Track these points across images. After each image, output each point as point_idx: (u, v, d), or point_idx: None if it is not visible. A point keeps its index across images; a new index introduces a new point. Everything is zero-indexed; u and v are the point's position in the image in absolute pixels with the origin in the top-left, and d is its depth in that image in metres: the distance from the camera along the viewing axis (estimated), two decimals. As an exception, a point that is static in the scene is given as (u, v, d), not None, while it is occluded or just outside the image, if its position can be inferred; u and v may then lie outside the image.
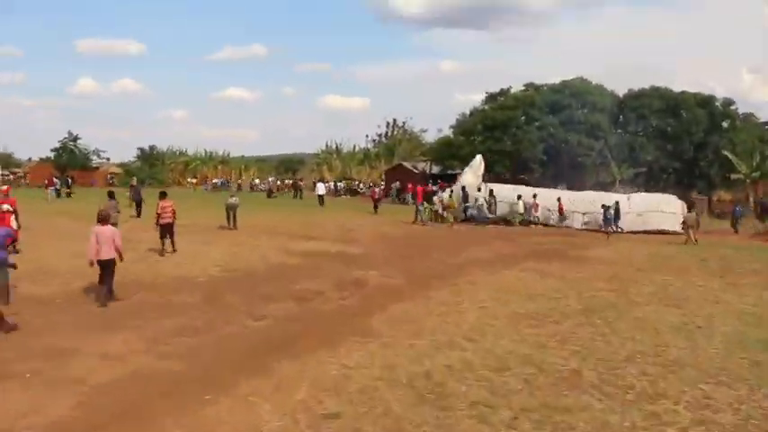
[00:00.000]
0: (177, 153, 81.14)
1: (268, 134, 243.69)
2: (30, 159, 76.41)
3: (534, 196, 30.09)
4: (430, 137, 65.27)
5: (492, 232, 26.26)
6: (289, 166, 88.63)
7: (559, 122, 42.70)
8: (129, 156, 77.01)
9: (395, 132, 71.33)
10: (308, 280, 12.82)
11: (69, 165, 63.22)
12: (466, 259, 17.67)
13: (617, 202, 28.50)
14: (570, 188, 35.83)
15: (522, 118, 43.60)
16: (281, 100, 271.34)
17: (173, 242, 16.41)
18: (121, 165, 75.58)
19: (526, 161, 42.51)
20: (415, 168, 51.41)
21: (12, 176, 59.44)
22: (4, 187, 22.29)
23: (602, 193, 32.01)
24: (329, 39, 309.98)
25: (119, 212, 17.24)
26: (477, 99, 76.36)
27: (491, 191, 30.81)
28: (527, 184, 35.27)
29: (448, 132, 48.94)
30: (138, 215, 25.42)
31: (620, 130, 46.07)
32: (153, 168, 69.74)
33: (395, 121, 72.55)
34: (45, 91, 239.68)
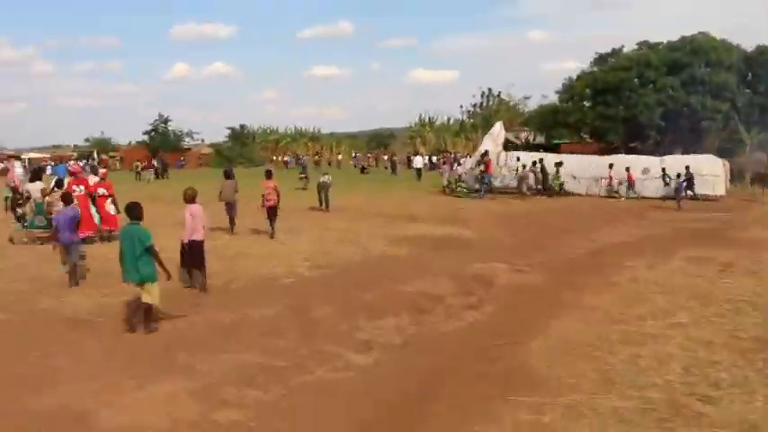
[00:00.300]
0: (268, 131, 79.89)
1: (356, 111, 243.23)
2: (129, 143, 77.23)
3: (558, 164, 27.05)
4: (533, 104, 60.89)
5: (586, 206, 22.63)
6: (380, 140, 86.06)
7: (680, 83, 37.73)
8: (221, 137, 76.11)
9: (490, 102, 66.56)
10: (419, 278, 10.06)
11: (162, 146, 63.04)
12: (603, 244, 14.51)
13: (687, 168, 24.84)
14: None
15: (636, 80, 38.73)
16: (369, 76, 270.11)
17: (272, 227, 15.29)
18: (212, 145, 74.93)
19: (641, 127, 37.83)
20: (518, 139, 47.38)
21: (106, 161, 59.62)
22: (103, 170, 20.99)
23: (632, 157, 28.98)
24: (414, 13, 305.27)
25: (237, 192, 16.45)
26: (568, 67, 69.61)
27: (540, 160, 27.85)
28: (638, 153, 31.49)
29: (553, 99, 44.41)
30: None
31: (748, 90, 40.46)
32: (244, 147, 68.45)
33: (490, 90, 67.22)
34: (141, 77, 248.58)
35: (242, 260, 11.96)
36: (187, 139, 70.60)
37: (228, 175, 16.90)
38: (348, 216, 19.15)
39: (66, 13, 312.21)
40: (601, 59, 40.59)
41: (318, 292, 9.23)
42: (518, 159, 28.33)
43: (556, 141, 43.30)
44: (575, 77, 41.38)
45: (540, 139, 45.99)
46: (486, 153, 27.49)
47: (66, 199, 10.75)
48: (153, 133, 68.17)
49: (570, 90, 40.96)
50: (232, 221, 16.18)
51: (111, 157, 65.69)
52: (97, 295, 9.02)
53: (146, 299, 7.47)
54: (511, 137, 47.26)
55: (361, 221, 17.83)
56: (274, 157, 66.21)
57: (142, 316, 7.43)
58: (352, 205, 22.23)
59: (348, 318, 7.82)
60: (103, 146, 69.99)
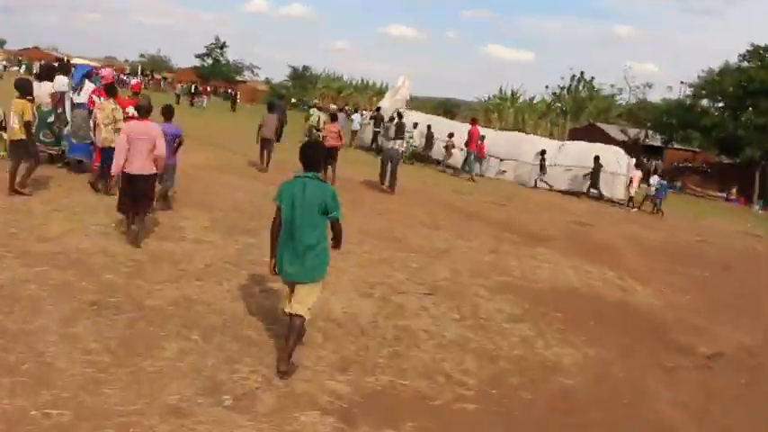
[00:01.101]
0: (332, 77, 72.96)
1: (425, 76, 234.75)
2: (178, 68, 71.32)
3: (450, 135, 23.36)
4: (657, 96, 52.93)
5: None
6: (447, 109, 79.03)
7: None
8: (283, 76, 69.66)
9: (580, 87, 58.49)
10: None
11: (212, 74, 56.54)
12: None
13: (596, 159, 21.02)
14: None
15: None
16: (444, 43, 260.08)
17: (334, 170, 14.71)
18: (267, 82, 68.34)
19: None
20: (625, 134, 39.01)
21: (153, 78, 53.69)
22: (134, 81, 16.13)
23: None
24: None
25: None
26: (649, 69, 62.18)
27: (428, 126, 24.71)
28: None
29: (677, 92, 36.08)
30: (278, 138, 18.19)
31: None
32: (303, 90, 61.83)
33: (582, 74, 58.76)
34: (221, 6, 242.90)
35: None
36: (246, 73, 64.79)
37: (272, 109, 16.11)
38: (420, 207, 12.81)
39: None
40: (754, 53, 32.00)
41: None
42: (415, 126, 24.36)
43: (675, 146, 35.37)
44: (715, 71, 33.07)
45: (654, 141, 37.52)
46: (378, 109, 25.79)
47: (167, 113, 8.85)
48: (207, 58, 62.03)
49: (710, 85, 32.73)
50: (266, 158, 15.20)
51: (163, 77, 59.71)
52: None
53: (297, 309, 4.71)
54: (610, 131, 39.20)
55: (448, 228, 11.30)
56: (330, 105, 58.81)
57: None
58: (422, 190, 15.89)
59: None
60: (157, 65, 64.30)
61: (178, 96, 38.97)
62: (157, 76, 57.37)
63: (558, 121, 55.39)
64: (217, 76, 57.48)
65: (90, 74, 11.43)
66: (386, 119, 23.30)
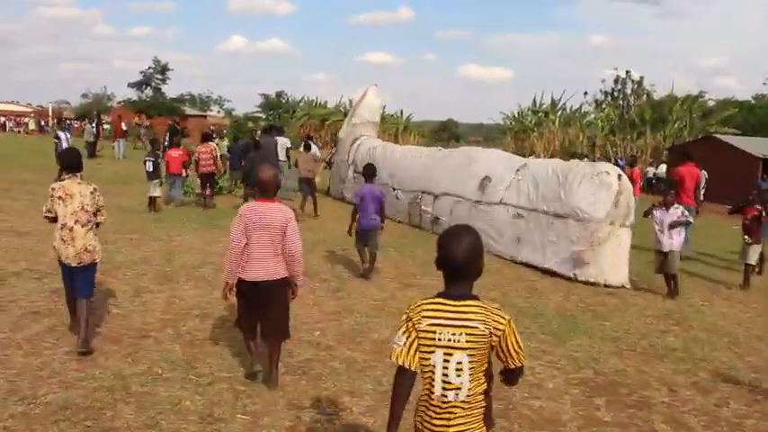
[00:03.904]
0: (314, 105, 66.31)
1: (411, 100, 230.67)
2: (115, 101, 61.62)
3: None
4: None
5: None
6: (446, 129, 73.48)
7: None
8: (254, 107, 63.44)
9: (628, 90, 49.71)
10: None
11: (152, 107, 48.91)
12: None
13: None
14: None
15: None
16: (422, 66, 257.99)
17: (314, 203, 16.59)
18: (228, 113, 62.06)
19: None
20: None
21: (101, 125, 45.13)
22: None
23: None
24: (474, 6, 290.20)
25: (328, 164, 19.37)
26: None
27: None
28: None
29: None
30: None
31: None
32: (280, 121, 54.96)
33: (628, 73, 49.59)
34: (197, 46, 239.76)
35: None
36: (215, 107, 59.03)
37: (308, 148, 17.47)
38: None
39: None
40: None
41: None
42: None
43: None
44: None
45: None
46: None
47: None
48: (144, 87, 52.51)
49: None
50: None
51: (137, 124, 47.47)
52: None
53: None
54: (745, 144, 31.43)
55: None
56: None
57: None
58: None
59: None
60: (102, 105, 56.06)
61: (94, 143, 30.91)
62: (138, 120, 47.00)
63: (627, 135, 45.39)
64: (158, 109, 48.78)
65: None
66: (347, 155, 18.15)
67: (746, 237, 11.83)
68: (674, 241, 10.60)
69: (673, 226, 10.58)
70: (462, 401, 3.05)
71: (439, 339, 3.01)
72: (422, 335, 3.05)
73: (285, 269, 5.86)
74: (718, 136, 35.59)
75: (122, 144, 31.55)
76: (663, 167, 34.77)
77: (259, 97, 65.12)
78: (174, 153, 16.97)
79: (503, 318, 3.03)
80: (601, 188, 11.52)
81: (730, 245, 16.07)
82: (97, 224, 6.65)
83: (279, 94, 63.92)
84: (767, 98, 50.19)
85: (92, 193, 6.54)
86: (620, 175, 11.84)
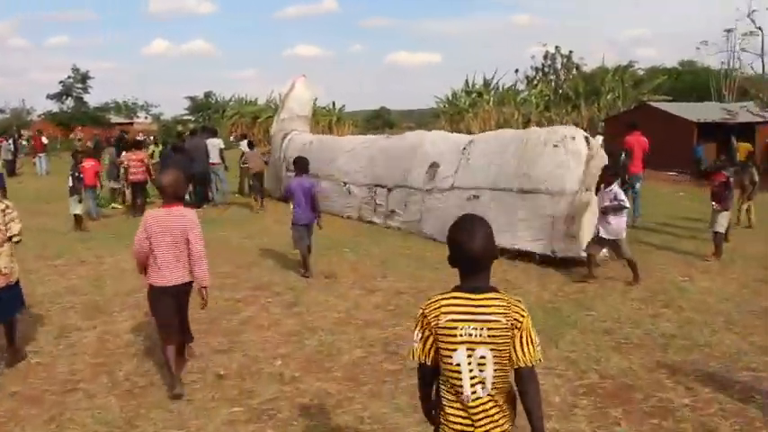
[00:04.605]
0: (244, 102, 64.04)
1: (343, 91, 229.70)
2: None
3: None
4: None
5: None
6: (379, 117, 72.37)
7: None
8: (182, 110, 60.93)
9: (560, 65, 48.71)
10: None
11: (74, 119, 45.87)
12: None
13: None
14: None
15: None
16: (350, 56, 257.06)
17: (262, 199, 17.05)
18: (158, 120, 59.36)
19: None
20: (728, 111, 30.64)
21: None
22: None
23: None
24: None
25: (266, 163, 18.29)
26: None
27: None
28: None
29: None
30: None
31: None
32: (209, 122, 52.79)
33: (557, 48, 48.74)
34: (119, 52, 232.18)
35: None
36: (141, 114, 56.30)
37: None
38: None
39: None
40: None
41: None
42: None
43: None
44: None
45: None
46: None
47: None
48: (64, 98, 49.23)
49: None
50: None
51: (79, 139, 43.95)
52: None
53: None
54: (686, 111, 31.01)
55: None
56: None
57: None
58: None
59: None
60: (21, 119, 52.87)
61: (12, 161, 29.26)
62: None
63: (562, 109, 43.87)
64: (81, 119, 45.81)
65: None
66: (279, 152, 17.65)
67: (714, 204, 11.29)
68: (613, 226, 9.41)
69: (605, 211, 9.50)
70: (489, 395, 2.93)
71: (460, 335, 2.89)
72: (441, 332, 2.93)
73: (190, 274, 5.86)
74: (653, 104, 35.02)
75: (44, 159, 29.42)
76: (599, 139, 34.72)
77: (186, 100, 63.33)
78: (87, 164, 15.59)
79: (522, 311, 2.93)
80: (568, 156, 10.64)
81: (681, 211, 15.93)
82: (11, 239, 6.33)
83: (207, 95, 61.80)
84: (695, 64, 50.93)
85: (2, 211, 6.30)
86: (587, 138, 11.02)
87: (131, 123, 53.40)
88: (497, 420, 2.94)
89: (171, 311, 5.83)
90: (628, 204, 9.84)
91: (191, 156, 16.63)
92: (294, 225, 10.26)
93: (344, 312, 8.21)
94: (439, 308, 2.93)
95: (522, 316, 2.88)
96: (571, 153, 10.67)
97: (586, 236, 10.36)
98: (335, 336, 7.30)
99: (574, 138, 10.87)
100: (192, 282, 5.89)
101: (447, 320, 2.88)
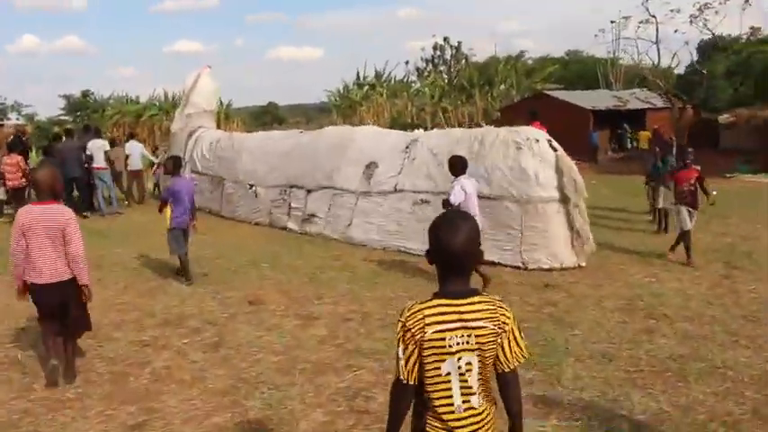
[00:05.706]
0: (125, 101, 59.65)
1: (228, 87, 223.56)
2: None
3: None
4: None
5: None
6: (268, 113, 70.35)
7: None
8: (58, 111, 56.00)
9: (449, 56, 48.36)
10: None
11: None
12: None
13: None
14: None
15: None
16: (234, 51, 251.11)
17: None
18: (32, 120, 54.25)
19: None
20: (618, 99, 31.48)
21: None
22: None
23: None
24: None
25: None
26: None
27: None
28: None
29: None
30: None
31: None
32: (89, 121, 48.68)
33: (446, 40, 48.31)
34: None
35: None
36: (13, 115, 51.00)
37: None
38: None
39: None
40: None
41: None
42: None
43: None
44: None
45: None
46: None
47: None
48: None
49: None
50: None
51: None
52: None
53: None
54: (580, 98, 31.19)
55: None
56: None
57: None
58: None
59: None
60: None
61: None
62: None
63: (457, 100, 42.99)
64: None
65: None
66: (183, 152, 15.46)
67: (688, 207, 10.25)
68: None
69: (444, 204, 8.11)
70: (479, 403, 2.72)
71: (450, 346, 2.64)
72: (427, 344, 2.65)
73: (71, 271, 5.69)
74: (548, 92, 35.45)
75: None
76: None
77: (62, 99, 58.40)
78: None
79: (507, 311, 2.75)
80: (536, 161, 9.58)
81: (602, 201, 15.12)
82: None
83: (85, 94, 56.82)
84: (581, 54, 52.27)
85: None
86: (550, 141, 9.95)
87: (1, 125, 48.39)
88: (487, 430, 2.77)
89: (52, 307, 5.69)
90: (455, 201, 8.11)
91: (62, 159, 14.39)
92: (173, 230, 9.32)
93: (284, 354, 6.50)
94: (422, 318, 2.67)
95: (508, 318, 2.73)
96: (539, 157, 9.62)
97: (562, 245, 9.41)
98: (282, 391, 5.58)
99: (537, 141, 9.84)
100: (74, 277, 5.66)
101: (433, 332, 2.63)
